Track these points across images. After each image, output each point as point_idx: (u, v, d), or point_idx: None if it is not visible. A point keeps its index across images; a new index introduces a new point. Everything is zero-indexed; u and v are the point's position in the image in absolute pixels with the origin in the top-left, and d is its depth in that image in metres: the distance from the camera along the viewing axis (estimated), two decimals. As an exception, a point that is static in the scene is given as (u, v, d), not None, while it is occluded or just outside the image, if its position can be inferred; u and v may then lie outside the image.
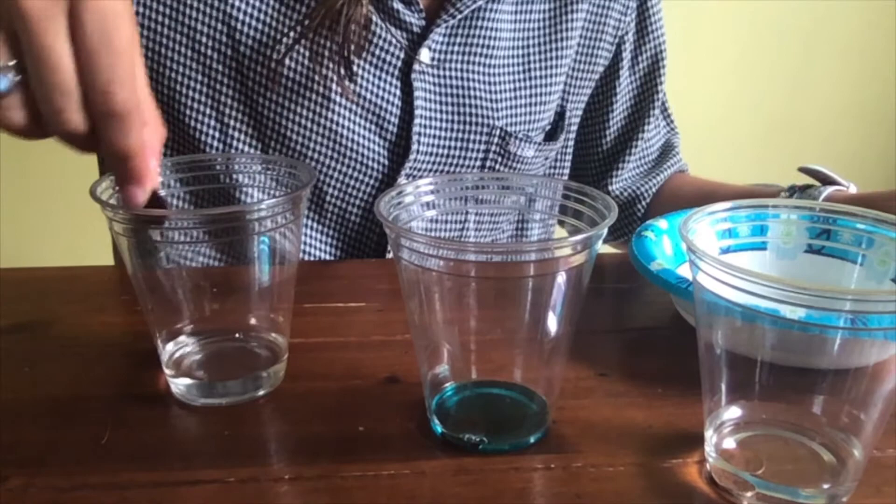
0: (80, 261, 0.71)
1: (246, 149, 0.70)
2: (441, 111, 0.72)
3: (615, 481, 0.40)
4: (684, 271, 0.52)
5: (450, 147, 0.73)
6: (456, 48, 0.71)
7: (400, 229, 0.39)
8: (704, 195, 0.81)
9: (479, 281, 0.39)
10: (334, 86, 0.67)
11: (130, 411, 0.46)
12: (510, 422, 0.44)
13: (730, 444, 0.40)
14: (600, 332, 0.55)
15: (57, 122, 0.37)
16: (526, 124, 0.76)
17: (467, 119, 0.73)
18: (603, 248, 0.41)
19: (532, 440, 0.43)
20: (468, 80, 0.72)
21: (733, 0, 1.82)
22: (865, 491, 0.39)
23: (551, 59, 0.76)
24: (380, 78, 0.69)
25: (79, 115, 0.37)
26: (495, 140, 0.74)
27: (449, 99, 0.72)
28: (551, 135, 0.80)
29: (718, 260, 0.35)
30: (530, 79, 0.76)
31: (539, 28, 0.76)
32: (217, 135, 0.69)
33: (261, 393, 0.47)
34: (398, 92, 0.70)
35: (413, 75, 0.70)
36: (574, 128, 0.83)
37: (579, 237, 0.38)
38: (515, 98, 0.75)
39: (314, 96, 0.68)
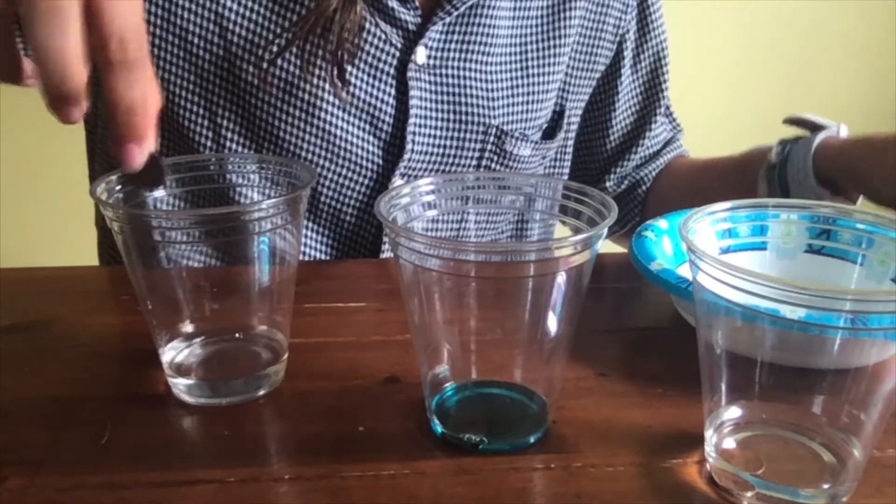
0: (80, 261, 0.71)
1: (239, 149, 0.69)
2: (436, 110, 0.71)
3: (615, 481, 0.40)
4: (684, 271, 0.52)
5: (445, 146, 0.73)
6: (453, 45, 0.71)
7: (400, 229, 0.39)
8: (699, 171, 0.82)
9: (479, 281, 0.39)
10: (327, 85, 0.67)
11: (130, 411, 0.46)
12: (510, 422, 0.44)
13: (730, 444, 0.40)
14: (600, 332, 0.55)
15: (56, 72, 0.36)
16: (523, 123, 0.76)
17: (463, 118, 0.72)
18: (603, 248, 0.41)
19: (532, 440, 0.43)
20: (465, 77, 0.72)
21: (733, 0, 1.82)
22: (865, 491, 0.39)
23: (549, 56, 0.76)
24: (374, 77, 0.69)
25: (81, 66, 0.36)
26: (491, 139, 0.74)
27: (444, 97, 0.71)
28: (549, 133, 0.80)
29: (718, 260, 0.35)
30: (527, 76, 0.75)
31: (536, 25, 0.75)
32: (210, 135, 0.69)
33: (261, 393, 0.47)
34: (393, 91, 0.70)
35: (409, 74, 0.69)
36: (574, 127, 0.83)
37: (579, 237, 0.38)
38: (512, 96, 0.74)
39: (307, 96, 0.67)
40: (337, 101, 0.68)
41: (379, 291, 0.63)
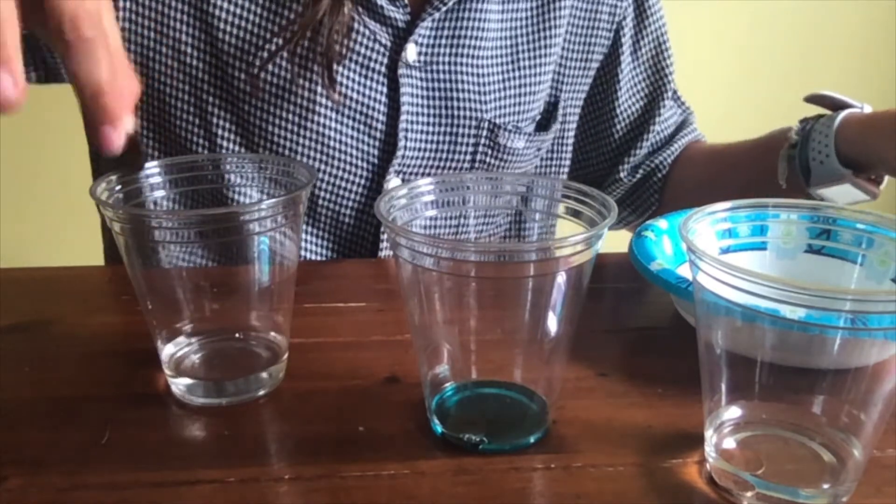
0: (80, 261, 0.71)
1: None
2: (428, 106, 0.71)
3: (615, 481, 0.40)
4: (684, 271, 0.52)
5: (438, 142, 0.73)
6: (443, 41, 0.71)
7: (400, 229, 0.39)
8: (717, 156, 0.80)
9: (479, 281, 0.39)
10: (319, 88, 0.67)
11: (130, 411, 0.46)
12: (510, 422, 0.44)
13: (730, 444, 0.40)
14: (600, 332, 0.55)
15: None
16: (515, 115, 0.75)
17: (455, 113, 0.72)
18: (603, 248, 0.41)
19: (532, 440, 0.43)
20: (456, 73, 0.72)
21: (733, 1, 1.82)
22: (865, 491, 0.39)
23: (540, 48, 0.76)
24: (366, 77, 0.69)
25: (13, 30, 0.35)
26: (484, 133, 0.73)
27: (436, 94, 0.71)
28: (543, 125, 0.79)
29: (718, 260, 0.35)
30: (519, 69, 0.75)
31: (526, 17, 0.75)
32: (206, 143, 0.69)
33: (261, 393, 0.47)
34: (385, 90, 0.70)
35: (399, 71, 0.69)
36: (573, 118, 0.82)
37: (579, 237, 0.38)
38: (504, 89, 0.74)
39: (299, 100, 0.68)
40: (330, 104, 0.68)
41: (379, 291, 0.63)
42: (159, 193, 0.49)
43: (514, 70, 0.75)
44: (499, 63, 0.74)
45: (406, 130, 0.71)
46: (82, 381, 0.49)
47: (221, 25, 0.66)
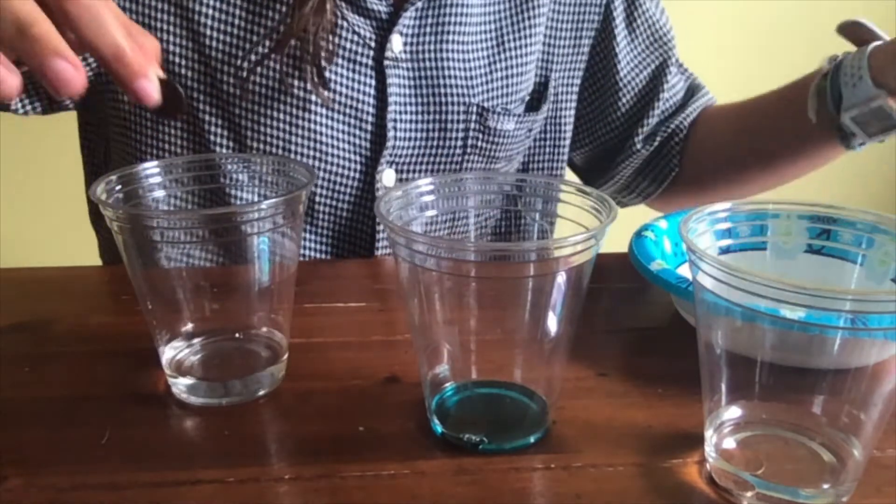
0: (80, 261, 0.71)
1: None
2: (415, 95, 0.71)
3: (615, 481, 0.40)
4: (684, 271, 0.52)
5: (428, 130, 0.73)
6: (427, 30, 0.71)
7: (399, 229, 0.39)
8: (740, 112, 0.80)
9: (479, 281, 0.39)
10: (308, 86, 0.67)
11: (130, 411, 0.46)
12: (510, 422, 0.44)
13: (730, 444, 0.40)
14: (600, 332, 0.55)
15: (38, 49, 0.36)
16: (503, 97, 0.75)
17: (443, 100, 0.72)
18: (603, 248, 0.41)
19: (532, 440, 0.43)
20: (441, 60, 0.72)
21: (733, 1, 1.82)
22: (865, 491, 0.39)
23: (524, 28, 0.75)
24: (353, 71, 0.69)
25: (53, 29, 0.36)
26: (473, 117, 0.73)
27: (423, 82, 0.71)
28: (534, 105, 0.79)
29: (718, 260, 0.35)
30: (504, 51, 0.75)
31: None
32: (199, 148, 0.70)
33: (261, 393, 0.47)
34: (372, 82, 0.70)
35: (385, 63, 0.69)
36: (567, 97, 0.82)
37: (579, 237, 0.38)
38: (491, 72, 0.74)
39: (290, 100, 0.68)
40: (320, 101, 0.68)
41: (379, 291, 0.63)
42: (159, 193, 0.49)
43: (499, 52, 0.75)
44: (484, 47, 0.74)
45: (395, 121, 0.71)
46: (82, 381, 0.49)
47: (207, 31, 0.66)
